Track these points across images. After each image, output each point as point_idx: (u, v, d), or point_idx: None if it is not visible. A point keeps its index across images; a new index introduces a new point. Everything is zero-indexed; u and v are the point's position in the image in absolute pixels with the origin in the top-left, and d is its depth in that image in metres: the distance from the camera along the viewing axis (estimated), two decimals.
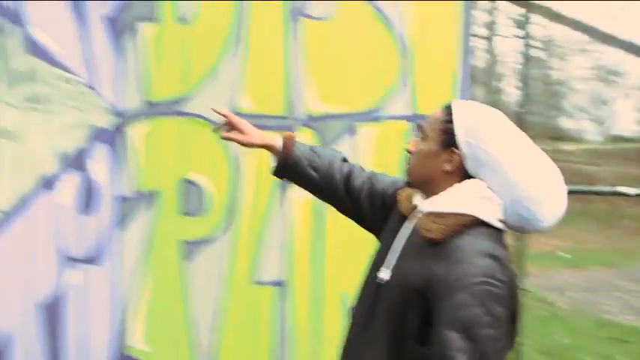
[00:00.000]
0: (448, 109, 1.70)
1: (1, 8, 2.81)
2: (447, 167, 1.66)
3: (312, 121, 3.54)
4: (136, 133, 3.74)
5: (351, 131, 3.51)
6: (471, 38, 3.58)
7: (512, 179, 1.59)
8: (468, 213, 1.59)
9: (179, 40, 3.66)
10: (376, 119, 3.50)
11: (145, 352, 3.83)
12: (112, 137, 3.69)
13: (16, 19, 2.91)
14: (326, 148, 2.12)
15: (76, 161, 3.39)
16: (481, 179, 1.64)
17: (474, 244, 1.55)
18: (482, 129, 1.63)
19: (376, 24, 3.48)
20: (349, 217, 2.10)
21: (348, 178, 1.99)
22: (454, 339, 1.46)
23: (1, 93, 2.83)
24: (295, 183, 2.11)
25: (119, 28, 3.65)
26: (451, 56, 3.44)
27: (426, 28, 3.46)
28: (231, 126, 2.12)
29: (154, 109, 3.72)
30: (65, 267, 3.35)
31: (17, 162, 2.96)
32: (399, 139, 3.44)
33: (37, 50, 3.04)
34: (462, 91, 3.43)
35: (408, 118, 3.45)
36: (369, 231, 2.03)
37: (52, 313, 3.25)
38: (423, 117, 3.36)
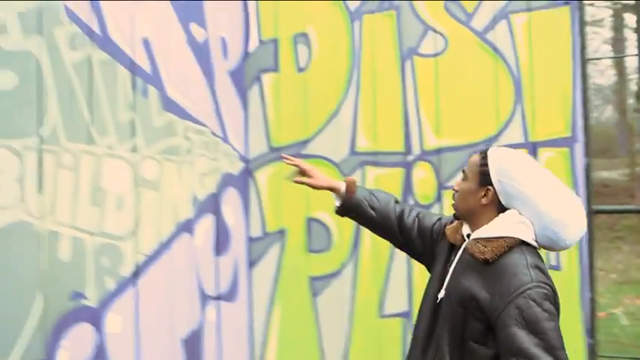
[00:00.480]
0: (484, 154, 2.03)
1: (141, 72, 3.15)
2: (484, 201, 1.98)
3: (428, 155, 3.60)
4: (263, 176, 3.99)
5: (466, 164, 3.53)
6: (596, 59, 3.50)
7: (539, 209, 1.91)
8: (511, 235, 1.92)
9: (299, 87, 3.89)
10: None
11: None
12: (240, 182, 3.96)
13: (154, 80, 3.25)
14: (382, 191, 2.39)
15: (210, 206, 3.67)
16: (514, 208, 1.96)
17: (521, 259, 1.88)
18: (510, 169, 1.95)
19: (486, 56, 3.51)
20: (402, 251, 2.39)
21: (400, 217, 2.29)
22: (522, 335, 1.78)
23: (141, 147, 3.17)
24: (356, 221, 2.41)
25: (244, 81, 3.95)
26: (564, 80, 3.39)
27: (537, 55, 3.45)
28: (302, 171, 2.45)
29: (277, 154, 3.95)
30: (203, 304, 3.60)
31: (157, 209, 3.27)
32: None
33: (172, 107, 3.37)
34: (577, 113, 3.37)
35: (524, 146, 3.42)
36: (420, 262, 2.33)
37: (192, 347, 3.50)
38: (539, 144, 3.38)
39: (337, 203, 2.39)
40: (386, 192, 2.40)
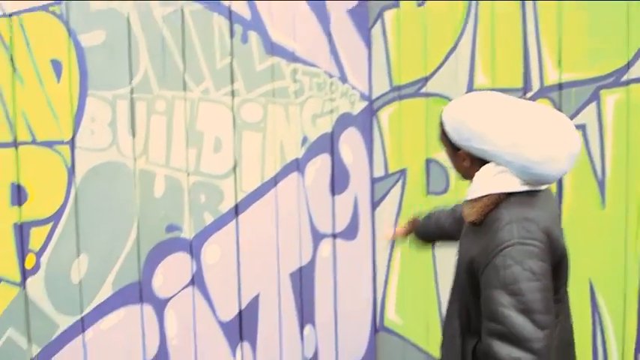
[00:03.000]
0: (440, 120, 1.94)
1: (240, 19, 3.31)
2: (466, 164, 1.89)
3: (549, 91, 3.25)
4: (385, 115, 3.96)
5: (594, 98, 3.11)
6: None
7: (509, 155, 1.75)
8: (491, 192, 1.80)
9: (419, 22, 3.73)
10: (622, 84, 3.03)
11: (398, 323, 4.05)
12: (362, 121, 3.97)
13: (254, 26, 3.39)
14: (435, 211, 2.57)
15: (324, 146, 3.76)
16: (491, 161, 1.82)
17: (504, 214, 1.77)
18: (464, 129, 1.83)
19: None
20: None
21: (453, 221, 2.41)
22: (498, 296, 1.66)
23: (241, 91, 3.35)
24: (435, 241, 2.62)
25: (367, 19, 3.90)
26: None
27: None
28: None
29: (399, 93, 3.87)
30: (316, 241, 3.76)
31: (260, 149, 3.46)
32: None
33: (277, 50, 3.49)
34: None
35: None
36: None
37: (303, 281, 3.70)
38: None
39: (412, 239, 2.68)
40: (439, 210, 2.56)
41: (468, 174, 1.92)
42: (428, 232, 2.54)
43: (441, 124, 1.94)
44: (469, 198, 1.87)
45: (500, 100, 1.84)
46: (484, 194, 1.81)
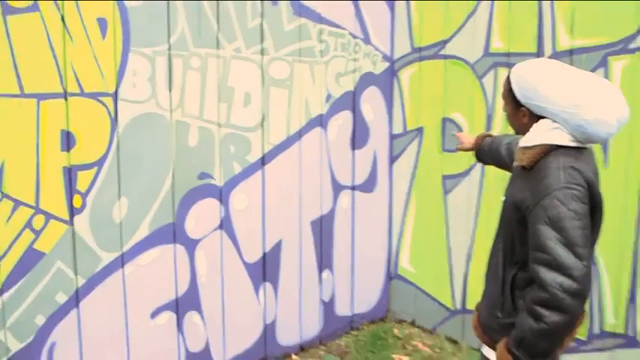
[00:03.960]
0: (508, 79, 2.14)
1: None
2: (525, 119, 2.11)
3: (561, 57, 3.41)
4: (406, 76, 4.16)
5: (603, 64, 3.28)
6: None
7: (567, 114, 1.98)
8: (543, 142, 2.04)
9: None
10: (630, 51, 3.19)
11: (411, 272, 4.32)
12: (383, 81, 4.18)
13: None
14: (504, 135, 2.70)
15: (347, 103, 3.99)
16: (548, 118, 2.06)
17: (553, 163, 2.00)
18: (530, 87, 2.04)
19: None
20: None
21: (509, 152, 2.58)
22: (546, 231, 1.92)
23: (270, 50, 3.57)
24: (490, 165, 2.77)
25: None
26: None
27: None
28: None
29: (419, 54, 4.06)
30: (336, 192, 4.02)
31: (286, 105, 3.70)
32: None
33: (305, 12, 3.69)
34: None
35: None
36: None
37: (323, 228, 3.98)
38: None
39: (474, 155, 2.83)
40: (505, 135, 2.71)
41: (524, 129, 2.14)
42: (485, 153, 2.73)
43: (509, 83, 2.13)
44: (523, 145, 2.10)
45: (562, 67, 2.06)
46: (538, 144, 2.04)
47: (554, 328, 1.90)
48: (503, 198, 2.22)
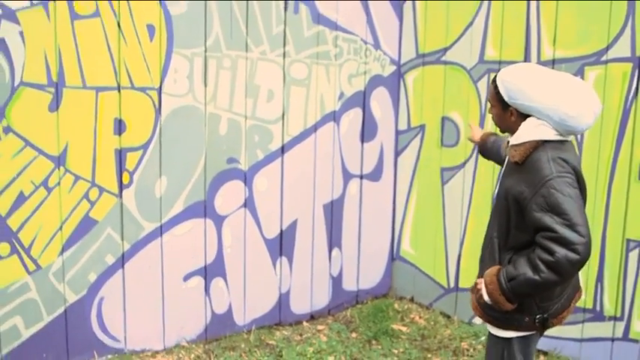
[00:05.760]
0: (494, 82, 2.41)
1: None
2: (513, 119, 2.38)
3: (544, 65, 3.88)
4: (411, 78, 4.67)
5: (580, 73, 3.76)
6: None
7: (551, 111, 2.26)
8: (532, 139, 2.30)
9: (443, 2, 4.41)
10: (602, 62, 3.67)
11: (411, 254, 4.84)
12: (391, 82, 4.70)
13: None
14: (501, 136, 2.94)
15: (357, 101, 4.51)
16: (533, 116, 2.33)
17: (543, 156, 2.26)
18: (516, 89, 2.31)
19: None
20: None
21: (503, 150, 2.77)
22: (548, 216, 2.18)
23: (291, 53, 4.10)
24: (488, 159, 3.03)
25: None
26: None
27: None
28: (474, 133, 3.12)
29: (423, 59, 4.57)
30: (346, 180, 4.54)
31: (304, 101, 4.22)
32: (623, 80, 3.58)
33: (322, 20, 4.21)
34: None
35: (630, 60, 3.54)
36: None
37: (334, 212, 4.50)
38: None
39: (480, 150, 3.06)
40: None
41: (511, 127, 2.39)
42: (487, 149, 2.96)
43: (495, 87, 2.38)
44: (514, 142, 2.34)
45: (542, 69, 2.33)
46: (527, 140, 2.29)
47: (545, 284, 2.18)
48: (495, 191, 2.48)
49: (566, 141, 2.34)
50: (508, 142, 2.47)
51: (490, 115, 3.78)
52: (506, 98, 2.34)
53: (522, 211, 2.28)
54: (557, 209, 2.16)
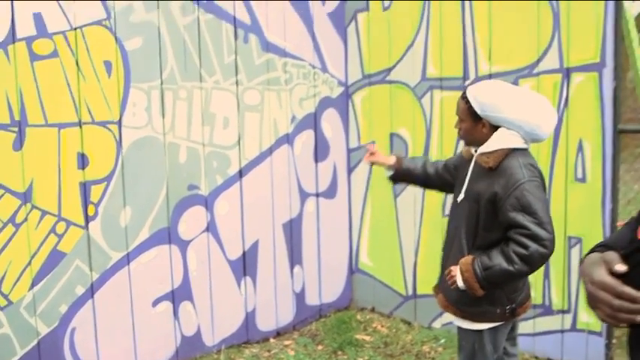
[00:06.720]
0: (465, 97, 2.64)
1: (242, 24, 4.23)
2: (485, 130, 2.63)
3: (481, 79, 4.18)
4: (358, 98, 4.92)
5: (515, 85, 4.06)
6: None
7: (519, 123, 2.55)
8: (505, 147, 2.58)
9: (385, 23, 4.67)
10: (534, 74, 3.98)
11: (369, 265, 5.05)
12: (339, 103, 4.93)
13: (254, 29, 4.30)
14: (418, 158, 3.22)
15: (309, 123, 4.72)
16: (503, 127, 2.59)
17: (515, 162, 2.55)
18: (487, 102, 2.57)
19: None
20: (445, 192, 3.28)
21: (437, 173, 3.05)
22: (521, 216, 2.47)
23: (243, 81, 4.28)
24: (406, 183, 3.29)
25: (343, 20, 4.84)
26: (598, 9, 3.66)
27: None
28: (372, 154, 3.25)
29: (369, 80, 4.82)
30: (303, 199, 4.73)
31: (258, 126, 4.40)
32: (554, 90, 3.89)
33: (271, 48, 4.42)
34: (608, 47, 3.68)
35: (559, 72, 3.85)
36: (448, 192, 3.06)
37: (293, 230, 4.68)
38: (572, 70, 3.77)
39: (388, 174, 3.21)
40: (420, 157, 3.23)
41: (480, 139, 2.62)
42: (410, 171, 3.08)
43: (466, 102, 2.61)
44: (486, 150, 2.59)
45: (508, 85, 2.62)
46: (499, 148, 2.56)
47: (517, 274, 2.49)
48: (461, 196, 2.68)
49: (527, 148, 2.64)
50: (475, 150, 2.69)
51: (437, 129, 4.09)
52: (479, 112, 2.58)
53: (496, 212, 2.54)
54: (528, 209, 2.45)
